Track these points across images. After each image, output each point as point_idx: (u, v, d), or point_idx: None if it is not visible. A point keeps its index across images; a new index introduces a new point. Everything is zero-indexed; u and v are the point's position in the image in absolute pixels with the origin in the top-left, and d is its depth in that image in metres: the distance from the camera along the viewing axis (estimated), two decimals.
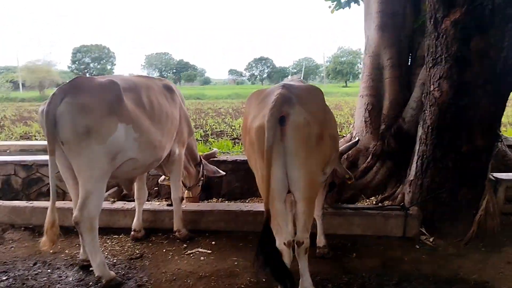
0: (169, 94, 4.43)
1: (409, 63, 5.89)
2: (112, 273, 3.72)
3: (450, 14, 4.17)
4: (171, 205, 4.82)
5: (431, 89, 4.48)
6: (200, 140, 9.97)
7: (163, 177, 5.18)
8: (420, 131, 4.89)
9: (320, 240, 4.17)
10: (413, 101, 5.42)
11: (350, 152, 5.55)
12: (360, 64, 79.50)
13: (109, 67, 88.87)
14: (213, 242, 4.56)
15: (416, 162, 4.84)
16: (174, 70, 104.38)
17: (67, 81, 3.59)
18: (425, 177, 4.68)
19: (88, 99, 3.41)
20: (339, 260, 4.11)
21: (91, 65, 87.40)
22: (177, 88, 4.71)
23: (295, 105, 2.93)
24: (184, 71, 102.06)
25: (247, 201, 5.79)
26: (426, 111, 4.64)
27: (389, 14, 5.66)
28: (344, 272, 3.85)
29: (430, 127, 4.58)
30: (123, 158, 3.70)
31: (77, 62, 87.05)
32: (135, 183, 4.67)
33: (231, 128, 13.45)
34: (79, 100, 3.37)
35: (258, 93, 3.45)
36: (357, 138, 5.42)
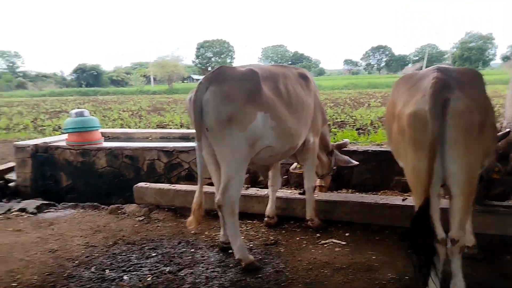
0: (304, 82, 4.41)
1: None
2: (251, 257, 3.82)
3: None
4: (302, 193, 4.82)
5: None
6: None
7: (294, 164, 5.19)
8: None
9: (470, 240, 3.79)
10: None
11: (499, 143, 4.97)
12: (492, 50, 72.32)
13: (228, 60, 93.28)
14: (347, 234, 4.44)
15: None
16: (290, 62, 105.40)
17: (212, 71, 3.76)
18: None
19: (230, 87, 3.55)
20: (491, 263, 3.70)
21: (213, 59, 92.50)
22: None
23: (455, 90, 2.66)
24: (299, 63, 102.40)
25: (379, 193, 5.54)
26: None
27: None
28: (499, 276, 3.47)
29: None
30: (261, 145, 3.78)
31: (200, 57, 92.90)
32: (270, 170, 4.75)
33: (352, 118, 13.11)
34: (222, 88, 3.52)
35: (407, 78, 3.22)
36: (507, 129, 4.82)
